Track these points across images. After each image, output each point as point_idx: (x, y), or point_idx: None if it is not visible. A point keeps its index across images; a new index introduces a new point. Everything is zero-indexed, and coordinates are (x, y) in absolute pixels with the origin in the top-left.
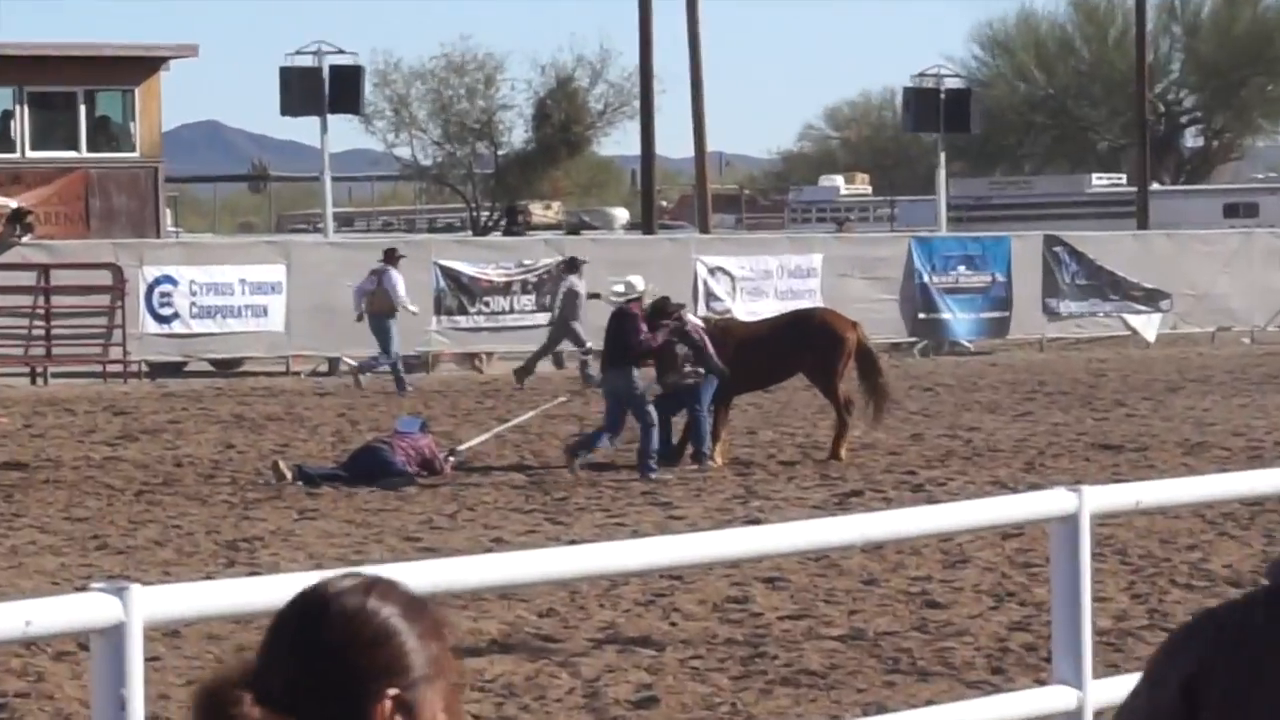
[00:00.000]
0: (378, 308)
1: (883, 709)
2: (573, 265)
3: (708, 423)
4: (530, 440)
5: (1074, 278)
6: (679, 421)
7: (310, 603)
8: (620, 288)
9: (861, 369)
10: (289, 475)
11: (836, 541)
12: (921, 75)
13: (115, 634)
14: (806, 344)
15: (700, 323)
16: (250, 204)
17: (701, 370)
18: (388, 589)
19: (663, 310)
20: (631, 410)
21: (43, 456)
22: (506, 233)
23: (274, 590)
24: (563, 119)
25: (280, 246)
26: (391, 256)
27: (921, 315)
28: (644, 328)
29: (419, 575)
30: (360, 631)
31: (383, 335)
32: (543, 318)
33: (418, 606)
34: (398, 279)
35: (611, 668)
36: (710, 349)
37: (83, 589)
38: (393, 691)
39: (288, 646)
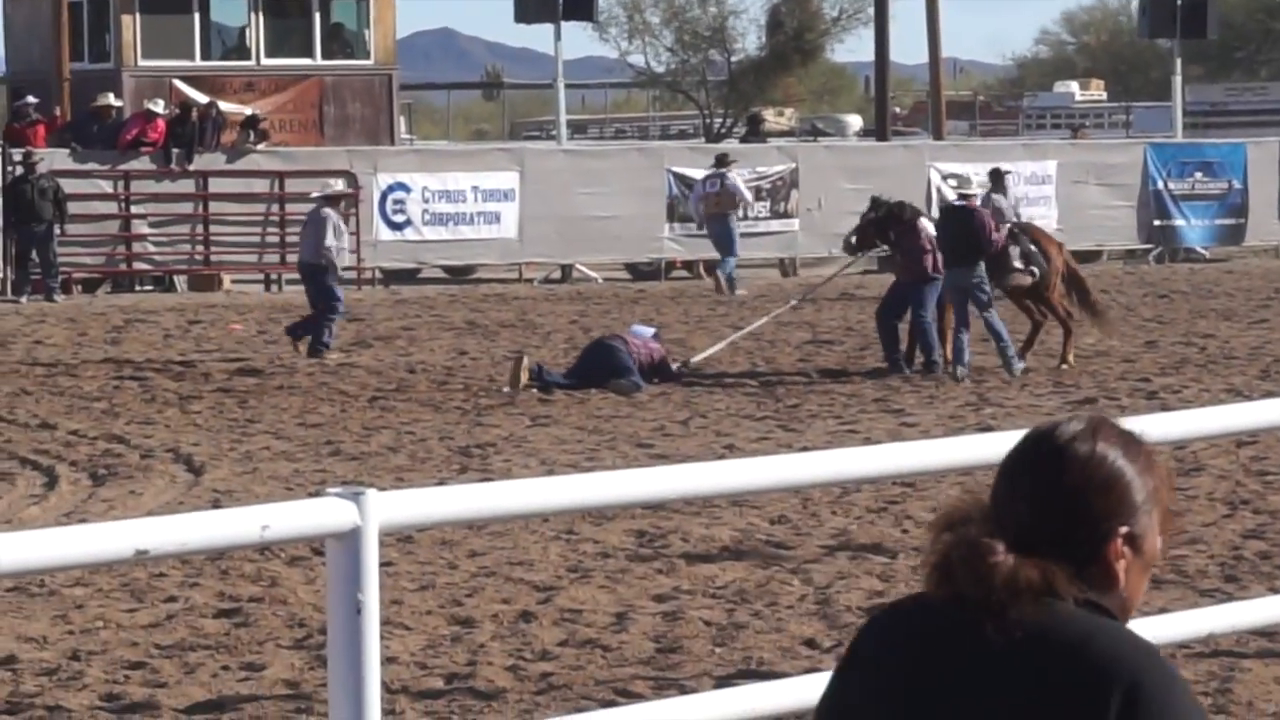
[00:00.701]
0: (720, 208)
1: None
2: (722, 161)
3: (934, 329)
4: (762, 347)
5: None
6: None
7: (1045, 450)
8: (954, 183)
9: (1071, 292)
10: (525, 377)
11: None
12: None
13: (351, 539)
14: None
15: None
16: (484, 111)
17: (1036, 270)
18: (1110, 431)
19: (899, 216)
20: (974, 304)
21: (277, 363)
22: (745, 140)
23: (507, 496)
24: (796, 26)
25: (514, 154)
26: (724, 160)
27: (1156, 222)
28: (991, 224)
29: (649, 483)
30: (1094, 476)
31: (726, 237)
32: (777, 224)
33: (1134, 444)
34: (738, 179)
35: (843, 574)
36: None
37: (317, 494)
38: (1124, 529)
39: (1026, 493)
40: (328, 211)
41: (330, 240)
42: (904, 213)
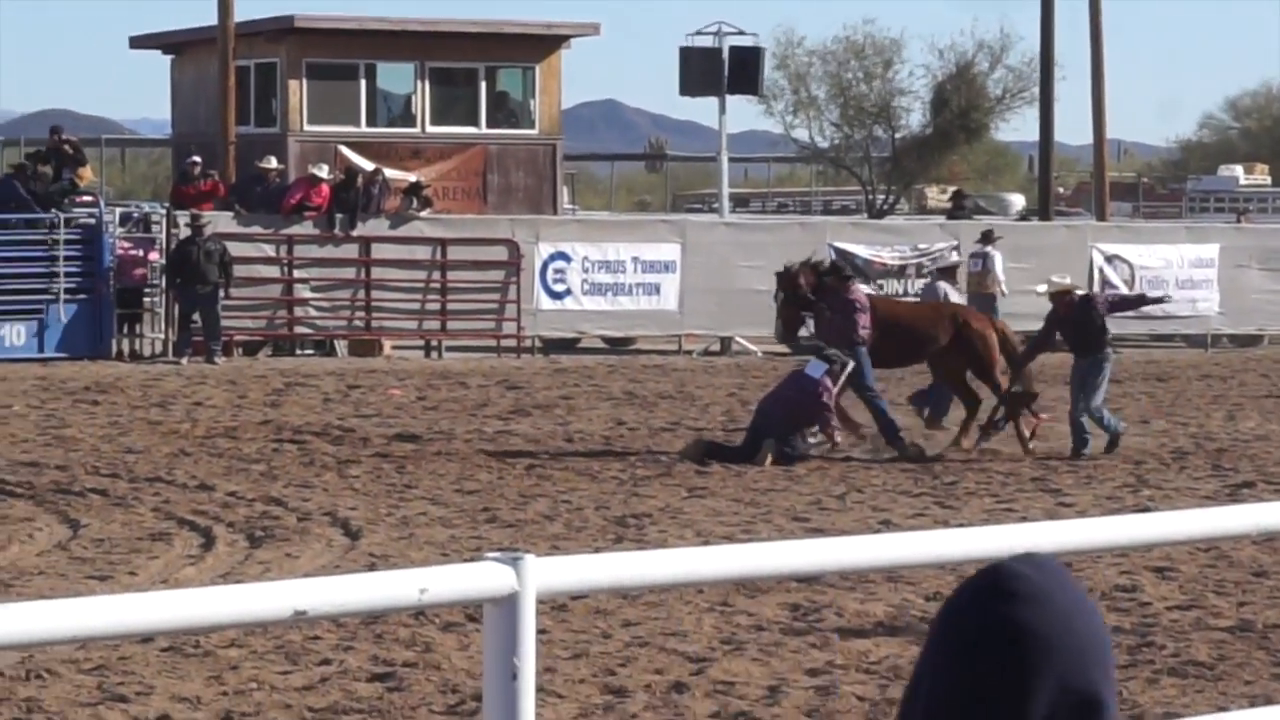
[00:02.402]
0: (982, 288)
1: (1270, 701)
2: (987, 238)
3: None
4: (919, 423)
5: None
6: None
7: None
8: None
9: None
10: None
11: (1228, 531)
12: None
13: (509, 604)
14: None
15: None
16: (646, 183)
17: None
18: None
19: (820, 280)
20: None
21: (435, 429)
22: (950, 216)
23: (664, 565)
24: (961, 104)
25: (675, 225)
26: (989, 237)
27: None
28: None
29: (805, 554)
30: None
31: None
32: None
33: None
34: (997, 258)
35: None
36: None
37: (475, 559)
38: None
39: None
40: (944, 286)
41: None
42: (830, 275)
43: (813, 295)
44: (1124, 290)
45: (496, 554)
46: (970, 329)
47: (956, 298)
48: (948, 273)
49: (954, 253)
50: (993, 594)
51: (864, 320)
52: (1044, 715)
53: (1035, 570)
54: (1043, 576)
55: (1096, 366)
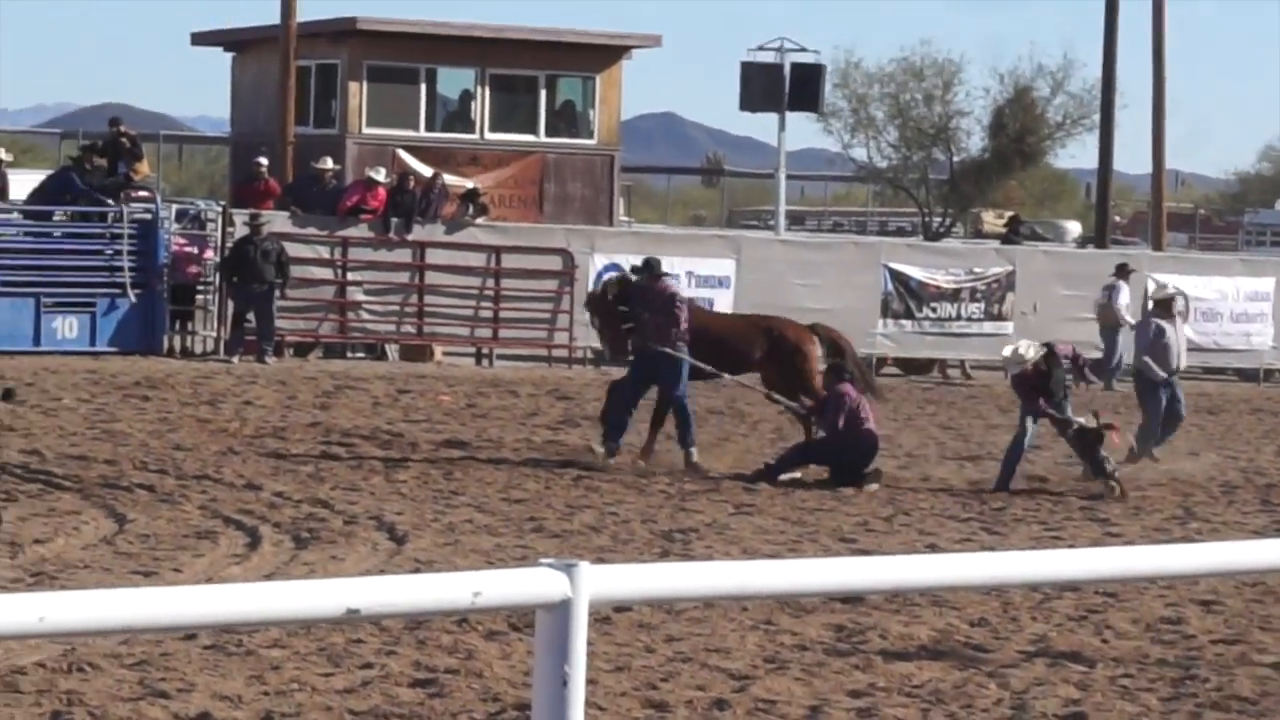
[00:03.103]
0: (1106, 320)
1: None
2: (1121, 271)
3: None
4: (970, 449)
5: None
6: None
7: None
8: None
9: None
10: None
11: (1275, 565)
12: None
13: (562, 610)
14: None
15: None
16: (703, 197)
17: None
18: None
19: (650, 269)
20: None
21: (484, 436)
22: (1005, 241)
23: (717, 576)
24: (1018, 129)
25: (731, 241)
26: (1123, 271)
27: None
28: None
29: (851, 572)
30: None
31: (1109, 346)
32: (990, 326)
33: None
34: (1123, 292)
35: (1040, 681)
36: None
37: (529, 564)
38: None
39: None
40: (1161, 324)
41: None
42: (641, 271)
43: (624, 305)
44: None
45: (551, 561)
46: (785, 341)
47: (1174, 333)
48: (1162, 305)
49: (1168, 285)
50: None
51: (683, 314)
52: None
53: None
54: None
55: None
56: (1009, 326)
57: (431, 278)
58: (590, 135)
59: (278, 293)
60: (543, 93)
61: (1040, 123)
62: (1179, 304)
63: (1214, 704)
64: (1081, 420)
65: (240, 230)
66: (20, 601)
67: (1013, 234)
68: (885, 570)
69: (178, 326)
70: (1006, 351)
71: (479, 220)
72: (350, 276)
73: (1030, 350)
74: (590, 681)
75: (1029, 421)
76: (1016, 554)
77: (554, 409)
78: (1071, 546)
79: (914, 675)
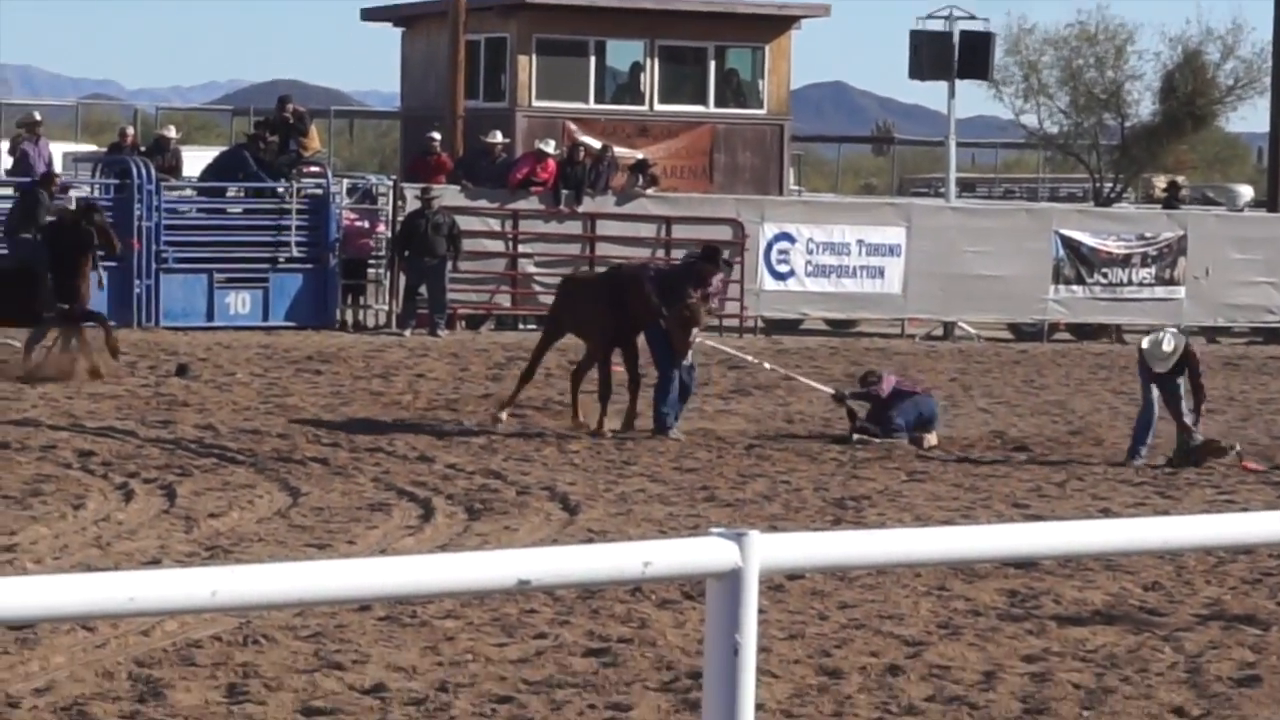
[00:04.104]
0: None
1: None
2: None
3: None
4: None
5: None
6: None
7: None
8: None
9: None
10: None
11: None
12: None
13: (732, 579)
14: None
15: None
16: (873, 165)
17: None
18: None
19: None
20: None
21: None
22: (1166, 206)
23: (884, 544)
24: (1189, 92)
25: (901, 209)
26: None
27: None
28: None
29: (1024, 537)
30: None
31: None
32: (1161, 291)
33: None
34: None
35: (1215, 644)
36: None
37: (700, 534)
38: None
39: None
40: None
41: None
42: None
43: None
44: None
45: (721, 529)
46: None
47: None
48: None
49: None
50: None
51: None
52: None
53: None
54: None
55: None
56: (1181, 291)
57: (602, 249)
58: (760, 105)
59: (449, 265)
60: (712, 63)
61: (1211, 86)
62: None
63: None
64: (1199, 434)
65: (412, 204)
66: (194, 576)
67: (1173, 199)
68: (1058, 535)
69: (349, 301)
70: (1146, 344)
71: (649, 191)
72: (521, 249)
73: (1170, 343)
74: (763, 649)
75: (1152, 391)
76: (1190, 518)
77: (725, 379)
78: (1245, 510)
79: (1088, 640)
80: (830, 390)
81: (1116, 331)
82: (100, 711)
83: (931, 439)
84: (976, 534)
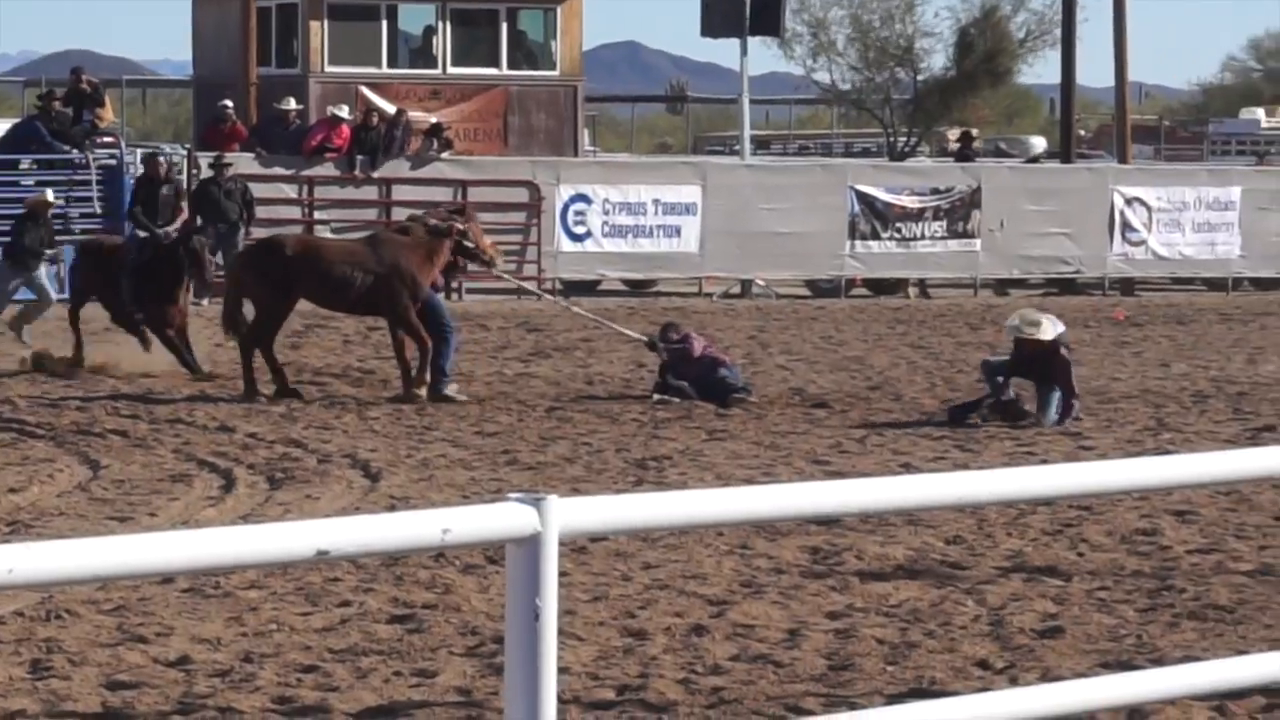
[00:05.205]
0: None
1: None
2: None
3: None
4: (942, 367)
5: None
6: None
7: None
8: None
9: None
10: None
11: (1248, 474)
12: None
13: (531, 544)
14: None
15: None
16: (667, 125)
17: None
18: None
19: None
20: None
21: (456, 371)
22: (959, 158)
23: (686, 505)
24: (986, 48)
25: (697, 168)
26: None
27: None
28: None
29: (825, 495)
30: None
31: None
32: (955, 244)
33: None
34: None
35: (1017, 596)
36: None
37: (497, 500)
38: None
39: None
40: None
41: None
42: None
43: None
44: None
45: (519, 495)
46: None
47: None
48: None
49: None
50: None
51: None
52: None
53: None
54: None
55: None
56: (976, 244)
57: (398, 214)
58: (552, 67)
59: (243, 231)
60: (504, 25)
61: (1007, 41)
62: None
63: (1191, 614)
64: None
65: (205, 173)
66: None
67: (966, 150)
68: (859, 492)
69: None
70: (1014, 320)
71: (444, 155)
72: (317, 215)
73: (1049, 330)
74: (568, 612)
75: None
76: (990, 471)
77: (525, 341)
78: (1045, 462)
79: (891, 595)
80: (644, 337)
81: (920, 285)
82: None
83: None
84: (779, 492)
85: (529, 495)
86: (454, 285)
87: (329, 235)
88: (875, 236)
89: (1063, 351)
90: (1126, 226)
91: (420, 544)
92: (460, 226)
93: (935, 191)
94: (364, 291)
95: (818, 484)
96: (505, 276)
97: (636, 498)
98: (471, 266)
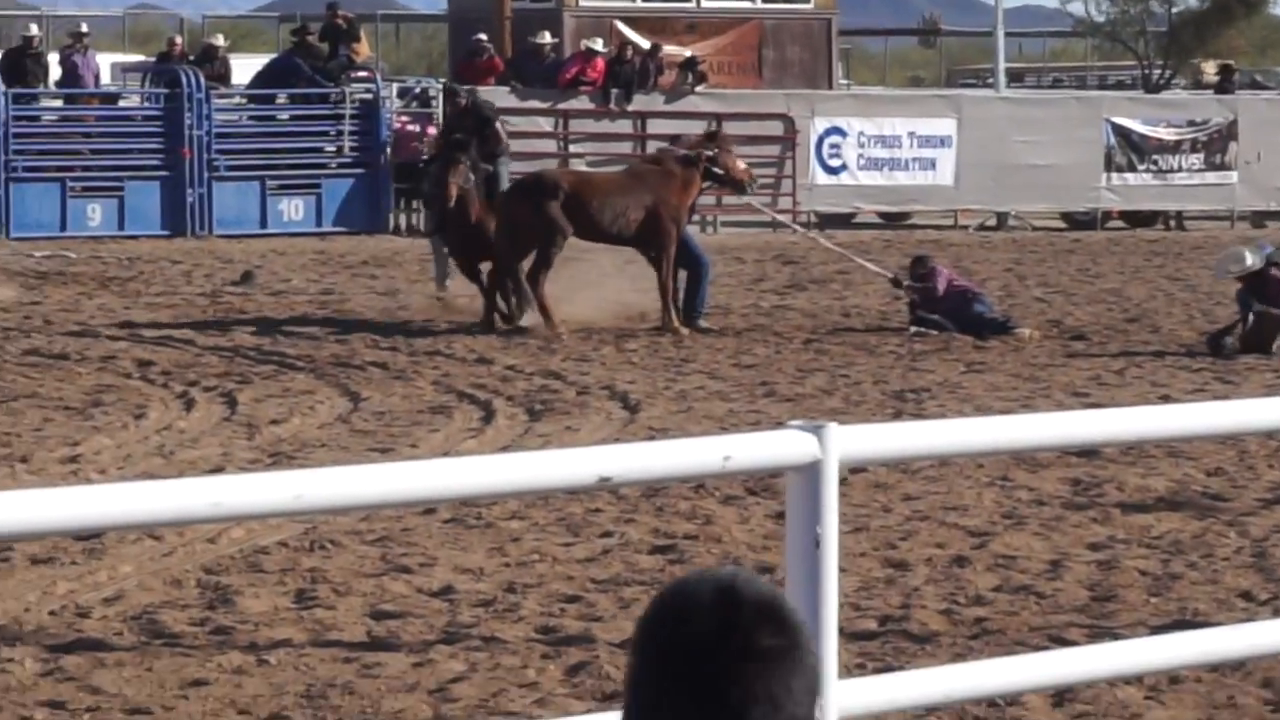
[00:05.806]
0: None
1: None
2: None
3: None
4: (1199, 299)
5: None
6: None
7: None
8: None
9: None
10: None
11: None
12: None
13: (811, 471)
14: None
15: None
16: (921, 58)
17: None
18: None
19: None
20: None
21: (712, 304)
22: (1219, 91)
23: (958, 434)
24: None
25: (951, 100)
26: None
27: None
28: None
29: (1086, 425)
30: None
31: None
32: (1213, 176)
33: None
34: None
35: (1279, 528)
36: None
37: (778, 427)
38: None
39: None
40: None
41: None
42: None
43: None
44: None
45: (799, 423)
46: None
47: None
48: None
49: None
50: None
51: None
52: None
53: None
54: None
55: None
56: (1233, 176)
57: (653, 147)
58: (807, 0)
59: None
60: None
61: None
62: None
63: None
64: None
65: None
66: (277, 480)
67: (1226, 83)
68: (1120, 422)
69: (402, 205)
70: (1220, 265)
71: (698, 88)
72: (573, 149)
73: (1253, 259)
74: None
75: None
76: (1251, 402)
77: (780, 274)
78: None
79: (1152, 526)
80: (889, 274)
81: (1177, 218)
82: (170, 619)
83: (1025, 333)
84: (1041, 422)
85: (809, 423)
86: (708, 219)
87: (583, 168)
88: (1131, 169)
89: (1273, 271)
90: None
91: (702, 471)
92: (708, 154)
93: (1191, 124)
94: (636, 224)
95: (1078, 414)
96: (757, 205)
97: (911, 425)
98: (727, 199)
